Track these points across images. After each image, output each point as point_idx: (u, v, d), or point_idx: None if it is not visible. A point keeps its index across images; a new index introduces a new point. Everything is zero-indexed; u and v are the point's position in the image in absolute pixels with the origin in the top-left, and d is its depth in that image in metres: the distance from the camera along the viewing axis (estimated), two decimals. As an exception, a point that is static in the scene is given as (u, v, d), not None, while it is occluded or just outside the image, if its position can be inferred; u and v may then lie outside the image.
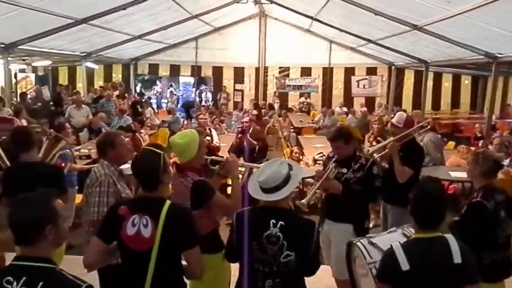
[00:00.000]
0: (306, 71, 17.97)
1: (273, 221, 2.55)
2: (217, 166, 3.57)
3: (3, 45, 9.88)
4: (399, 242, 2.41)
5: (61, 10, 8.86)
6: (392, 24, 9.92)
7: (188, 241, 2.54)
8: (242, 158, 5.97)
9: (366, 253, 2.84)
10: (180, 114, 15.27)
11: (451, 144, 10.49)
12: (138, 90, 18.29)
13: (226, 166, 3.48)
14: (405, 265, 2.24)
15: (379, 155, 4.95)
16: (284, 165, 2.72)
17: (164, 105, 18.50)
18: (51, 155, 4.13)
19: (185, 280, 2.70)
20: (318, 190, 4.03)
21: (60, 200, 2.13)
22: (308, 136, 12.49)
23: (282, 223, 2.55)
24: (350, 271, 3.15)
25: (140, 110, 13.42)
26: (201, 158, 3.45)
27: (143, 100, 15.96)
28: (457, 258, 2.27)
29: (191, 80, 18.45)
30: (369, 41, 13.46)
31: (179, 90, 18.80)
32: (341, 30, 13.59)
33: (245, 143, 7.59)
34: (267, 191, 2.63)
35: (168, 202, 2.58)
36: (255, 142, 7.69)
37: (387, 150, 4.82)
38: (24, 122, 8.34)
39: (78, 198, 6.30)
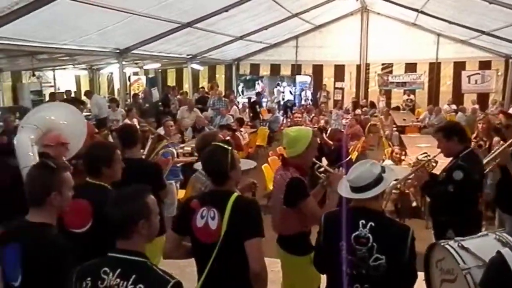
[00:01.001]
0: (410, 67, 17.11)
1: (363, 221, 2.45)
2: (322, 174, 3.46)
3: (118, 51, 10.77)
4: (509, 249, 2.17)
5: (168, 16, 9.42)
6: (510, 13, 9.09)
7: (251, 230, 2.49)
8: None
9: (459, 257, 2.61)
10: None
11: None
12: (240, 90, 18.82)
13: (331, 178, 3.36)
14: None
15: (489, 168, 4.38)
16: (376, 166, 2.61)
17: (264, 104, 18.82)
18: (154, 152, 4.38)
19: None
20: (411, 177, 4.04)
21: (158, 195, 2.25)
22: (412, 135, 11.87)
23: (372, 224, 2.44)
24: (427, 275, 2.92)
25: (258, 110, 13.71)
26: (308, 158, 3.37)
27: (254, 99, 16.21)
28: None
29: (308, 79, 18.47)
30: (482, 32, 12.49)
31: (294, 89, 18.93)
32: (450, 22, 12.79)
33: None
34: (356, 190, 2.53)
35: (235, 194, 2.59)
36: (331, 142, 7.53)
37: (498, 160, 4.28)
38: (135, 122, 8.98)
39: (181, 193, 6.65)
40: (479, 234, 2.88)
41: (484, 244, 2.55)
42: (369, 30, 17.02)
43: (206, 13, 10.17)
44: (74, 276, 2.03)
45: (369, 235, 2.42)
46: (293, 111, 10.95)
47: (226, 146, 2.68)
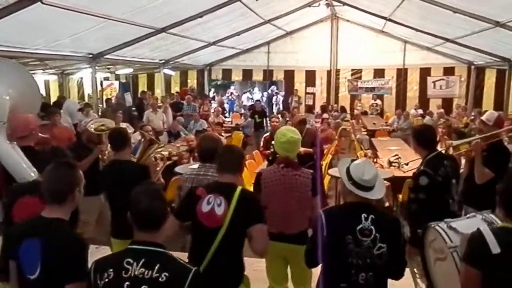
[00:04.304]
0: (379, 73, 17.57)
1: (364, 215, 2.68)
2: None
3: (91, 55, 10.66)
4: (486, 226, 2.38)
5: (143, 21, 9.39)
6: (472, 22, 9.53)
7: (256, 217, 2.88)
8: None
9: (447, 237, 2.80)
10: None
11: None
12: (211, 95, 18.82)
13: None
14: (495, 248, 2.22)
15: (460, 152, 4.75)
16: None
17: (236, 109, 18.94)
18: (146, 156, 4.44)
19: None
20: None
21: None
22: (382, 138, 12.26)
23: (373, 216, 2.68)
24: (423, 256, 3.13)
25: (258, 120, 13.51)
26: None
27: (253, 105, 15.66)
28: None
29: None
30: (447, 40, 12.98)
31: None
32: (417, 30, 13.22)
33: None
34: (366, 189, 2.74)
35: (239, 187, 2.94)
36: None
37: (470, 147, 4.57)
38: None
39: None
40: (467, 216, 3.05)
41: (471, 224, 2.70)
42: (339, 36, 17.39)
43: (181, 18, 10.20)
44: (92, 268, 2.10)
45: (372, 227, 2.65)
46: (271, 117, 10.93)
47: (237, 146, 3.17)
